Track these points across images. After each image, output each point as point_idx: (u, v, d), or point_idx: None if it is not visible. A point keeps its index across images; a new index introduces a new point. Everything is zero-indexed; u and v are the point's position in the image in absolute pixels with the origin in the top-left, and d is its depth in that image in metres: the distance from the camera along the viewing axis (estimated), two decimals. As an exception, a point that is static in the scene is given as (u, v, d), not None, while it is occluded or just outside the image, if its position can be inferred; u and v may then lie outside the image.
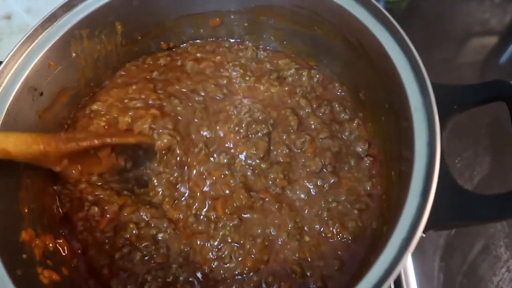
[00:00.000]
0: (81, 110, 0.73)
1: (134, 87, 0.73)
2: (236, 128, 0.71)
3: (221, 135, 0.71)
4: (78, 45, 0.67)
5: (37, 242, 0.58)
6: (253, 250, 0.61)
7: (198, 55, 0.80)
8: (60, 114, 0.69)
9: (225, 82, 0.77)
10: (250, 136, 0.70)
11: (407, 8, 1.11)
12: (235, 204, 0.65)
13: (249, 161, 0.68)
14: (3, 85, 0.59)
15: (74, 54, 0.68)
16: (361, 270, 0.54)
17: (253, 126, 0.71)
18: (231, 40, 0.83)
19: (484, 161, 0.87)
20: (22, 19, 1.08)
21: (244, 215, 0.64)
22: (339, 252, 0.61)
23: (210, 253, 0.62)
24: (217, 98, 0.75)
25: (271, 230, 0.63)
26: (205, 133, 0.71)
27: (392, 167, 0.61)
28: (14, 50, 0.61)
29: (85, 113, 0.72)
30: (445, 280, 0.80)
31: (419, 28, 1.06)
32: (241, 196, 0.65)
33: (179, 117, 0.71)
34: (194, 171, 0.68)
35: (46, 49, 0.62)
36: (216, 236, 0.62)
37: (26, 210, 0.59)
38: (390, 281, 0.41)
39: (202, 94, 0.75)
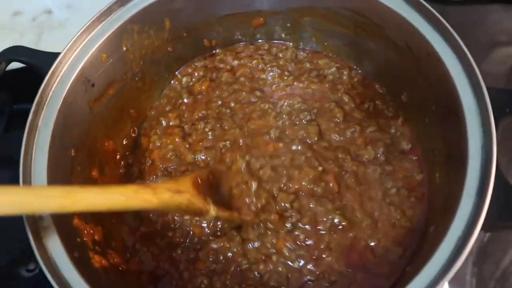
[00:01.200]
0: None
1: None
2: (277, 118, 0.73)
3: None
4: (129, 39, 0.69)
5: (87, 229, 0.60)
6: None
7: (235, 62, 0.82)
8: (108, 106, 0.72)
9: (261, 84, 0.78)
10: (296, 122, 0.72)
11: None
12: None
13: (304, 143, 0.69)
14: (61, 74, 0.61)
15: (124, 48, 0.70)
16: (413, 262, 0.55)
17: (294, 115, 0.73)
18: (271, 42, 0.84)
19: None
20: (62, 14, 1.10)
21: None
22: (401, 240, 0.61)
23: None
24: (250, 101, 0.76)
25: (358, 214, 0.63)
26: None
27: (436, 169, 0.62)
28: (71, 42, 0.63)
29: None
30: (478, 285, 0.79)
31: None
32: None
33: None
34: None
35: (100, 41, 0.65)
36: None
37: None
38: (448, 279, 0.41)
39: (232, 105, 0.77)
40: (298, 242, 0.62)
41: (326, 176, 0.66)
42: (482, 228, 0.47)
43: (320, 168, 0.66)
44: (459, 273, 0.81)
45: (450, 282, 0.78)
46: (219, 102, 0.77)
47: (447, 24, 0.56)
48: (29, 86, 0.60)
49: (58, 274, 0.48)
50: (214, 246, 0.64)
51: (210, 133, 0.73)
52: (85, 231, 0.59)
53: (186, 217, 0.67)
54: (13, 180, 0.54)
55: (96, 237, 0.62)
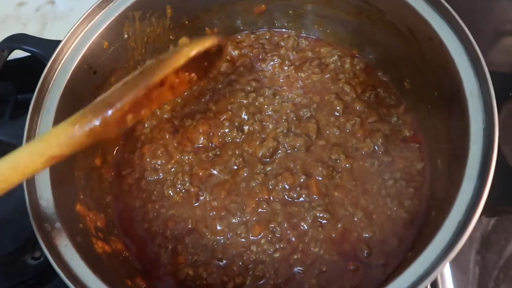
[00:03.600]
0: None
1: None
2: (275, 115, 0.72)
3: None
4: (131, 26, 0.69)
5: (90, 215, 0.61)
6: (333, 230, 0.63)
7: (236, 52, 0.81)
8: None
9: (260, 75, 0.78)
10: (294, 119, 0.72)
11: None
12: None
13: (297, 144, 0.69)
14: (63, 61, 0.62)
15: (126, 36, 0.70)
16: (414, 248, 0.55)
17: (293, 110, 0.72)
18: (272, 30, 0.84)
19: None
20: (65, 4, 1.11)
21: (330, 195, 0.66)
22: (398, 231, 0.61)
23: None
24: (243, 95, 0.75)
25: (349, 208, 0.64)
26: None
27: (439, 155, 0.62)
28: (73, 29, 0.63)
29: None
30: (481, 273, 0.79)
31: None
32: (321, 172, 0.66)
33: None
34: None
35: (102, 28, 0.65)
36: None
37: (79, 183, 0.62)
38: (446, 262, 0.41)
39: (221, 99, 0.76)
40: (277, 235, 0.63)
41: (308, 181, 0.66)
42: (483, 213, 0.47)
43: (302, 176, 0.67)
44: (463, 262, 0.81)
45: (453, 271, 0.78)
46: (208, 96, 0.76)
47: (449, 8, 0.55)
48: (33, 75, 0.60)
49: (61, 258, 0.49)
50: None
51: (194, 130, 0.73)
52: (88, 218, 0.60)
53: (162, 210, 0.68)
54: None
55: (99, 224, 0.63)
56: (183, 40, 0.58)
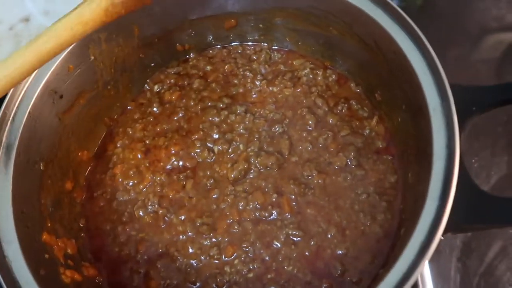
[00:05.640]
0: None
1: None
2: (247, 133, 0.72)
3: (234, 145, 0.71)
4: (97, 48, 0.68)
5: (58, 243, 0.60)
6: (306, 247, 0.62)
7: (208, 68, 0.81)
8: (80, 116, 0.71)
9: (232, 91, 0.77)
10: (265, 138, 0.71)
11: (422, 5, 1.10)
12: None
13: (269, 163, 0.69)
14: (25, 88, 0.61)
15: (92, 57, 0.69)
16: (387, 265, 0.54)
17: (266, 127, 0.72)
18: (245, 43, 0.83)
19: (502, 161, 0.85)
20: (40, 22, 1.09)
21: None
22: (371, 246, 0.61)
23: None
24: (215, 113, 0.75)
25: (322, 225, 0.63)
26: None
27: (409, 168, 0.61)
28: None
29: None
30: (462, 281, 0.79)
31: (435, 25, 1.04)
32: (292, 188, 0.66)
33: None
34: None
35: (65, 52, 0.63)
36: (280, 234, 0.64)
37: (46, 211, 0.61)
38: (410, 284, 0.41)
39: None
40: (250, 255, 0.62)
41: (280, 198, 0.66)
42: (449, 231, 0.46)
43: (274, 194, 0.66)
44: (443, 269, 0.81)
45: (434, 278, 0.78)
46: (180, 114, 0.76)
47: (412, 23, 0.55)
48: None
49: (21, 292, 0.48)
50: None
51: (166, 150, 0.72)
52: (56, 246, 0.59)
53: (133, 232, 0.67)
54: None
55: (69, 251, 0.62)
56: None
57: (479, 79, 0.98)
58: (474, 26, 1.04)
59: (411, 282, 0.41)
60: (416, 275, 0.41)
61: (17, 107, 0.59)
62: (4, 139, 0.57)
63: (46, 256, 0.55)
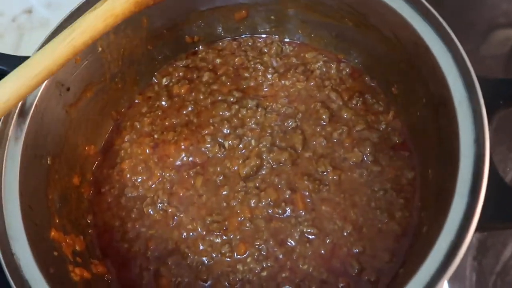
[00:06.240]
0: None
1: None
2: (258, 128, 0.70)
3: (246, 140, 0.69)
4: (105, 39, 0.66)
5: (67, 240, 0.58)
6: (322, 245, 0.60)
7: (217, 60, 0.78)
8: (87, 110, 0.69)
9: (242, 84, 0.75)
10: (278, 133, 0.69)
11: (430, 1, 1.08)
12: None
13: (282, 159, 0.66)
14: (31, 80, 0.58)
15: (100, 49, 0.67)
16: (406, 264, 0.52)
17: (278, 121, 0.70)
18: (255, 36, 0.81)
19: (519, 156, 0.83)
20: (42, 14, 1.07)
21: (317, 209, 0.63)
22: (389, 244, 0.59)
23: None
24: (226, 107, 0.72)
25: (338, 222, 0.61)
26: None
27: (428, 164, 0.59)
28: (40, 45, 0.60)
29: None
30: (478, 280, 0.77)
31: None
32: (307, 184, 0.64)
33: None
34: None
35: (73, 44, 0.61)
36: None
37: (54, 207, 0.59)
38: (442, 283, 0.39)
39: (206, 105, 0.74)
40: (263, 253, 0.61)
41: (293, 195, 0.64)
42: (476, 230, 0.44)
43: (287, 191, 0.64)
44: (459, 268, 0.78)
45: (449, 278, 0.76)
46: (190, 108, 0.74)
47: (435, 13, 0.53)
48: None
49: (30, 292, 0.46)
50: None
51: (175, 145, 0.70)
52: (64, 243, 0.57)
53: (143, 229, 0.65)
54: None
55: (77, 247, 0.60)
56: None
57: (488, 74, 0.97)
58: (482, 21, 1.02)
59: (442, 283, 0.39)
60: (447, 276, 0.39)
61: (24, 100, 0.57)
62: (10, 132, 0.55)
63: (55, 253, 0.53)
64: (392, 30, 0.60)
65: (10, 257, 0.47)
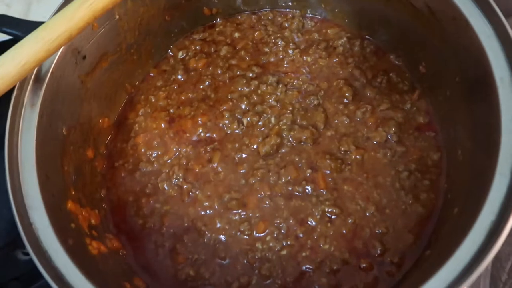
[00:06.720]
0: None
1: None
2: (279, 105, 0.67)
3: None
4: (122, 6, 0.64)
5: (83, 213, 0.56)
6: (344, 225, 0.59)
7: (236, 34, 0.76)
8: (102, 80, 0.66)
9: (262, 59, 0.73)
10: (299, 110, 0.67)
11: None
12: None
13: (303, 137, 0.64)
14: (48, 45, 0.56)
15: (117, 17, 0.64)
16: (432, 246, 0.51)
17: (299, 99, 0.67)
18: (276, 10, 0.78)
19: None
20: (51, -17, 1.03)
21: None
22: (413, 226, 0.57)
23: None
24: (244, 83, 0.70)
25: (360, 202, 0.60)
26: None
27: (458, 145, 0.57)
28: (57, 9, 0.57)
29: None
30: (493, 265, 0.76)
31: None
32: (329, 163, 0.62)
33: None
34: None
35: (90, 9, 0.58)
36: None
37: (69, 179, 0.57)
38: (481, 269, 0.37)
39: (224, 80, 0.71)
40: (283, 231, 0.59)
41: (314, 174, 0.62)
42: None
43: (308, 170, 0.63)
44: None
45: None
46: (207, 83, 0.71)
47: (476, -17, 0.50)
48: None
49: (50, 264, 0.44)
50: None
51: (192, 120, 0.68)
52: (80, 215, 0.55)
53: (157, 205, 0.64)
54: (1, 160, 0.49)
55: (93, 221, 0.58)
56: None
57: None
58: (499, 8, 0.99)
59: (486, 262, 0.37)
60: (492, 255, 0.38)
61: (40, 66, 0.54)
62: (26, 98, 0.52)
63: (72, 225, 0.52)
64: (426, 4, 0.58)
65: (28, 227, 0.45)
